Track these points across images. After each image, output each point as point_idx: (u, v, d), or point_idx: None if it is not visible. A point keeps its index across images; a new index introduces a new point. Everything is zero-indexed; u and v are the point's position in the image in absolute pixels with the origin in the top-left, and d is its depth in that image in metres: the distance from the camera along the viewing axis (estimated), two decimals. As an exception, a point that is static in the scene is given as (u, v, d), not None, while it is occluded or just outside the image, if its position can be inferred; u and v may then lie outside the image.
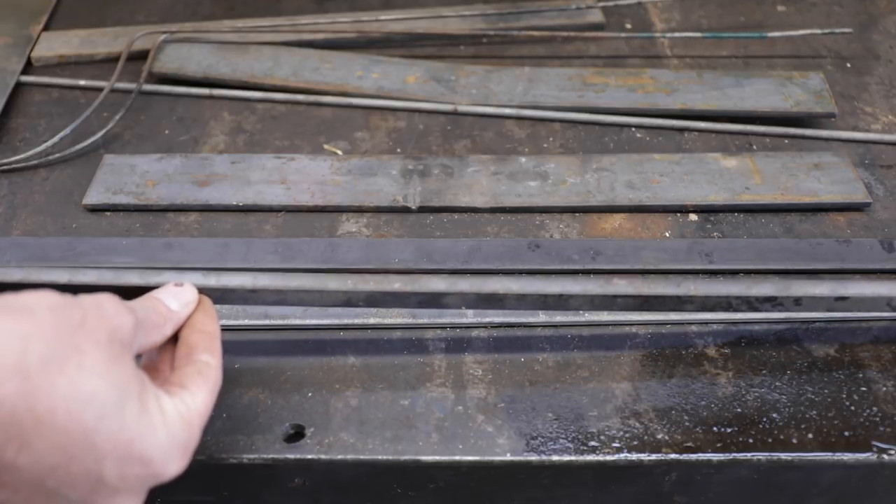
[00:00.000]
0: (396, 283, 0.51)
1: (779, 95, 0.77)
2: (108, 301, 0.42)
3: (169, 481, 0.41)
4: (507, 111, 0.78)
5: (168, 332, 0.46)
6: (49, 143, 0.73)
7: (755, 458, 0.51)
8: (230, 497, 0.53)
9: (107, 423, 0.38)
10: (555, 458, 0.51)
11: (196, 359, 0.45)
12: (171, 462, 0.41)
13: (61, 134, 0.73)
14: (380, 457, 0.51)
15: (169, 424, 0.41)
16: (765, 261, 0.63)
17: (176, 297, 0.48)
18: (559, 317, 0.59)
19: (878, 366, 0.56)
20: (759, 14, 0.94)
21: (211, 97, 0.80)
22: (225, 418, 0.53)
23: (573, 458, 0.51)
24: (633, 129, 0.77)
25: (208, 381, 0.44)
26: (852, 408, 0.54)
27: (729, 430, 0.52)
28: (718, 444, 0.51)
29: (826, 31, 0.86)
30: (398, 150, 0.75)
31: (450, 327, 0.58)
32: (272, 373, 0.56)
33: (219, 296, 0.50)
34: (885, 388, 0.55)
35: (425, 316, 0.59)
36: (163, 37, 0.84)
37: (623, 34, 0.87)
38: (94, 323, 0.40)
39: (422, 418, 0.53)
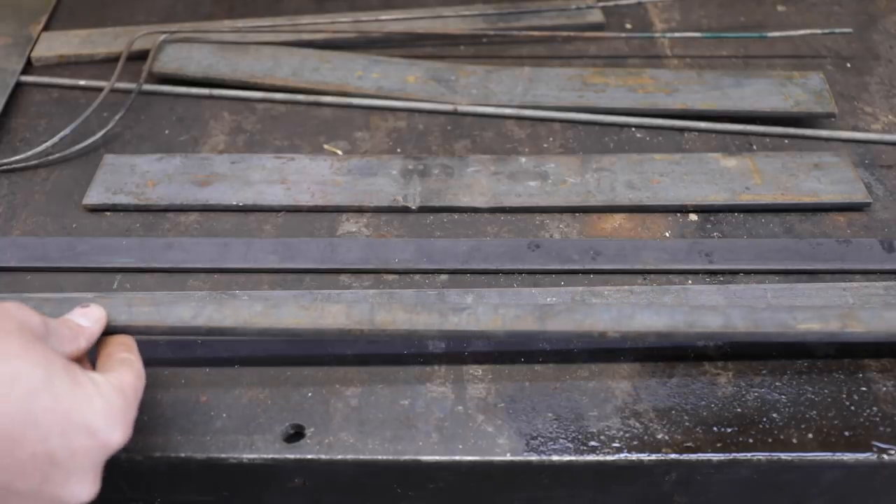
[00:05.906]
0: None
1: (779, 95, 0.77)
2: (11, 304, 0.43)
3: (117, 451, 0.42)
4: (507, 111, 0.78)
5: (83, 345, 0.47)
6: (49, 143, 0.73)
7: (755, 458, 0.51)
8: (230, 497, 0.53)
9: (40, 398, 0.39)
10: (555, 458, 0.51)
11: (118, 356, 0.47)
12: (114, 429, 0.42)
13: (61, 134, 0.73)
14: (380, 457, 0.51)
15: (103, 392, 0.42)
16: (765, 261, 0.63)
17: (85, 316, 0.49)
18: (559, 317, 0.58)
19: (878, 366, 0.56)
20: (759, 14, 0.94)
21: (211, 97, 0.80)
22: (225, 418, 0.53)
23: (573, 458, 0.51)
24: (633, 129, 0.77)
25: (132, 368, 0.46)
26: (852, 408, 0.53)
27: (729, 430, 0.52)
28: (718, 444, 0.51)
29: (826, 31, 0.86)
30: (398, 150, 0.75)
31: (450, 327, 0.58)
32: (272, 373, 0.56)
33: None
34: (885, 388, 0.55)
35: (425, 316, 0.59)
36: (163, 37, 0.84)
37: (623, 34, 0.87)
38: (0, 322, 0.41)
39: (422, 418, 0.53)
